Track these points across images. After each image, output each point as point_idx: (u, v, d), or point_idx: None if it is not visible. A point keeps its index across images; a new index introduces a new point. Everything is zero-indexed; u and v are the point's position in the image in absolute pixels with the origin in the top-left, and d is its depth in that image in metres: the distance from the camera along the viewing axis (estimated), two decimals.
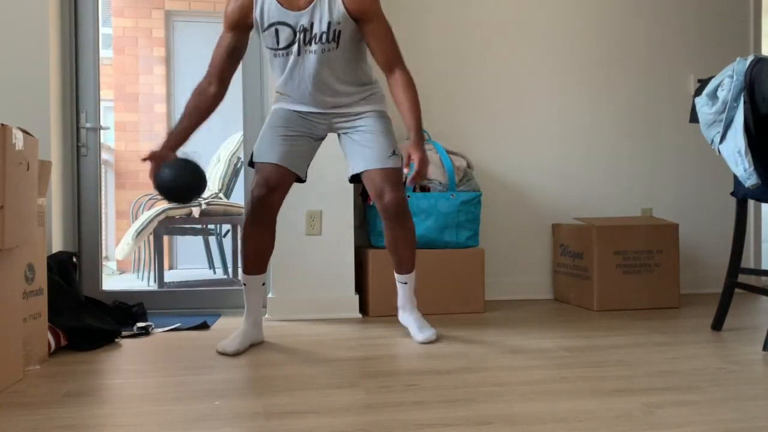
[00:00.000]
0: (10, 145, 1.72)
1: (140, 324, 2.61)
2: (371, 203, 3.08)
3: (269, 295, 2.94)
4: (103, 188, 3.41)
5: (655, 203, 3.73)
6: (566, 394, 1.68)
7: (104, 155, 4.37)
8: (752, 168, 2.23)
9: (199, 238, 4.78)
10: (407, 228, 2.34)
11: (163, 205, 4.13)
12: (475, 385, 1.78)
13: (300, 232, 2.95)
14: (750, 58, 2.27)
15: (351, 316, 2.96)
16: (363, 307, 3.03)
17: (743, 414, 1.52)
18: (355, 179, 2.34)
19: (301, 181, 2.33)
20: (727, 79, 2.30)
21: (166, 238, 4.77)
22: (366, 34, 2.21)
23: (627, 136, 3.71)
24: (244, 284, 2.32)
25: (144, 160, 2.17)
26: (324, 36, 2.15)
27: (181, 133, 2.25)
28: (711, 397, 1.65)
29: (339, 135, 2.37)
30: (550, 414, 1.52)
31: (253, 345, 2.32)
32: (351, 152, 2.32)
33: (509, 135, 3.59)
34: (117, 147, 5.54)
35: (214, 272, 4.81)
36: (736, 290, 2.54)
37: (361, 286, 3.08)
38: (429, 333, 2.37)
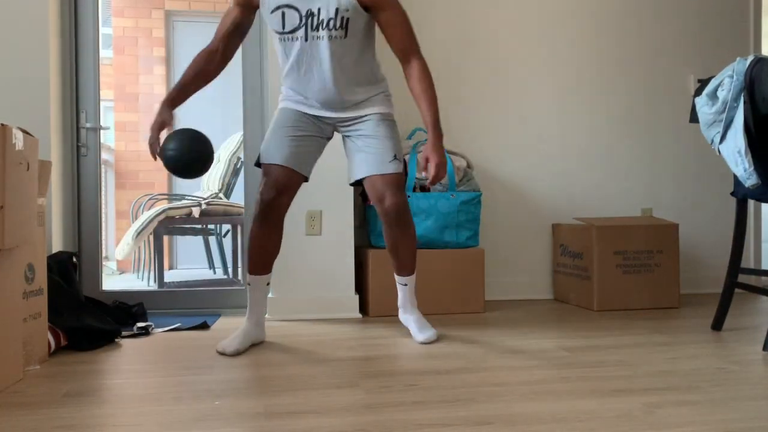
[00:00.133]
0: (10, 145, 1.72)
1: (140, 324, 2.62)
2: (371, 203, 3.08)
3: (269, 295, 2.94)
4: (103, 188, 3.41)
5: (655, 203, 3.73)
6: (566, 394, 1.68)
7: (104, 155, 4.38)
8: (752, 168, 2.23)
9: (199, 238, 4.78)
10: (408, 232, 2.33)
11: (164, 205, 4.14)
12: (475, 385, 1.78)
13: (300, 232, 2.95)
14: (750, 58, 2.27)
15: (351, 316, 2.96)
16: (363, 307, 3.03)
17: (743, 414, 1.52)
18: (357, 183, 2.34)
19: (305, 180, 2.33)
20: (727, 79, 2.30)
21: (166, 238, 4.77)
22: (380, 23, 2.19)
23: (627, 136, 3.71)
24: (249, 284, 2.31)
25: (153, 132, 2.16)
26: (332, 22, 2.11)
27: (181, 90, 2.22)
28: (711, 397, 1.65)
29: (343, 137, 2.37)
30: (550, 414, 1.52)
31: (254, 345, 2.32)
32: (353, 157, 2.31)
33: (509, 135, 3.59)
34: (117, 147, 5.54)
35: (214, 272, 4.81)
36: (736, 290, 2.54)
37: (361, 286, 3.08)
38: (429, 333, 2.37)
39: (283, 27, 2.15)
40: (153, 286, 4.13)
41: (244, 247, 3.20)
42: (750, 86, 2.23)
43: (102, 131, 3.12)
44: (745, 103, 2.24)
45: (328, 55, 2.15)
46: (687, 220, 3.75)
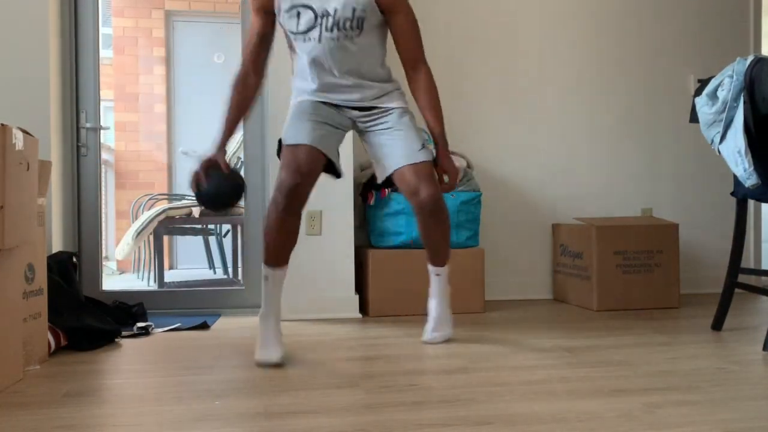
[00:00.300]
0: (10, 145, 1.72)
1: (140, 324, 2.62)
2: (371, 203, 3.08)
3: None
4: (103, 188, 3.41)
5: (655, 203, 3.73)
6: (566, 394, 1.68)
7: (104, 155, 4.37)
8: (752, 168, 2.23)
9: (199, 238, 4.78)
10: (445, 221, 2.23)
11: (164, 205, 4.13)
12: (475, 385, 1.78)
13: (300, 232, 2.95)
14: (750, 58, 2.27)
15: (351, 316, 2.96)
16: (363, 307, 3.03)
17: (743, 414, 1.52)
18: (387, 182, 2.25)
19: (338, 174, 2.21)
20: (727, 79, 2.30)
21: (166, 238, 4.77)
22: (392, 26, 2.18)
23: (627, 136, 3.71)
24: (266, 277, 2.12)
25: (202, 167, 2.10)
26: (348, 23, 2.09)
27: (229, 129, 2.18)
28: (711, 397, 1.65)
29: (362, 134, 2.28)
30: (550, 414, 1.52)
31: None
32: (379, 154, 2.23)
33: (509, 135, 3.59)
34: (117, 147, 5.54)
35: (214, 272, 4.81)
36: (736, 290, 2.54)
37: (361, 286, 3.08)
38: (437, 334, 2.33)
39: (298, 27, 2.11)
40: (153, 286, 4.13)
41: (244, 247, 3.20)
42: (750, 86, 2.23)
43: (102, 131, 3.12)
44: (745, 103, 2.24)
45: (343, 54, 2.13)
46: (687, 220, 3.75)
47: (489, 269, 3.52)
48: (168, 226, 4.04)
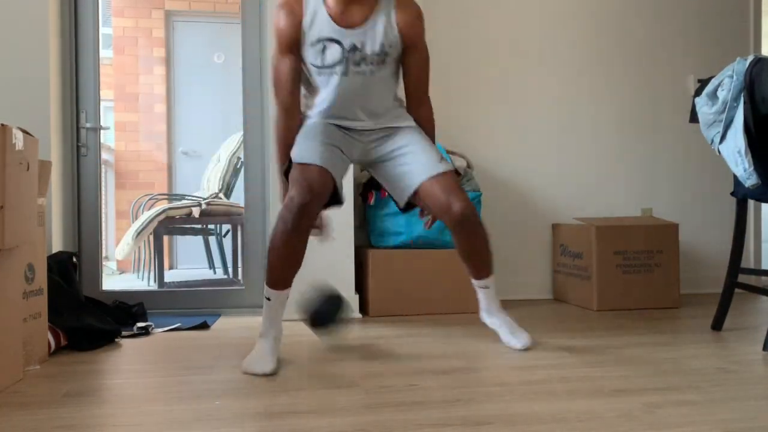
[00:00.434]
0: (10, 145, 1.72)
1: (140, 324, 2.62)
2: (371, 203, 3.08)
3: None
4: (103, 188, 3.41)
5: (655, 203, 3.73)
6: (566, 394, 1.68)
7: (104, 155, 4.38)
8: (752, 168, 2.22)
9: (199, 238, 4.78)
10: (483, 233, 2.16)
11: (164, 205, 4.14)
12: (475, 385, 1.78)
13: None
14: (750, 58, 2.27)
15: (351, 316, 2.96)
16: (363, 307, 3.03)
17: (743, 414, 1.52)
18: (409, 206, 2.18)
19: (340, 201, 2.11)
20: (727, 79, 2.30)
21: (166, 238, 4.77)
22: (407, 61, 2.15)
23: (627, 136, 3.71)
24: (268, 299, 2.06)
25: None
26: (375, 58, 2.06)
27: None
28: (711, 397, 1.65)
29: (374, 163, 2.22)
30: (550, 414, 1.52)
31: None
32: (397, 174, 2.15)
33: (509, 135, 3.59)
34: (117, 147, 5.54)
35: (214, 272, 4.80)
36: (736, 290, 2.54)
37: (361, 286, 3.08)
38: (524, 338, 2.21)
39: (323, 61, 2.06)
40: (153, 286, 4.13)
41: (244, 247, 3.20)
42: (750, 86, 2.23)
43: (102, 131, 3.12)
44: (745, 103, 2.24)
45: (367, 87, 2.10)
46: (687, 220, 3.75)
47: None
48: (168, 226, 4.03)
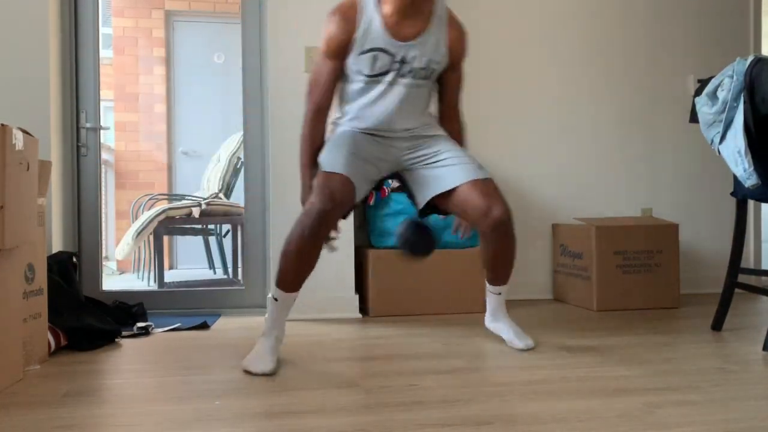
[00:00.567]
0: (10, 145, 1.72)
1: (140, 324, 2.62)
2: (371, 203, 3.08)
3: (269, 296, 2.93)
4: (103, 188, 3.42)
5: (655, 203, 3.73)
6: (566, 394, 1.68)
7: (104, 155, 4.38)
8: (752, 168, 2.22)
9: (199, 238, 4.78)
10: (513, 243, 2.19)
11: (164, 205, 4.14)
12: (475, 385, 1.78)
13: None
14: (750, 58, 2.27)
15: (351, 316, 2.96)
16: (363, 307, 3.03)
17: (743, 414, 1.52)
18: (428, 210, 2.20)
19: (346, 216, 2.11)
20: (727, 79, 2.30)
21: (166, 238, 4.77)
22: (447, 78, 2.20)
23: (627, 136, 3.71)
24: (276, 299, 2.05)
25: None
26: (421, 72, 2.10)
27: (313, 167, 2.13)
28: (711, 397, 1.65)
29: (407, 170, 2.21)
30: (550, 414, 1.52)
31: None
32: (433, 176, 2.15)
33: (509, 135, 3.59)
34: (117, 147, 5.54)
35: (214, 272, 4.81)
36: (736, 290, 2.54)
37: (361, 286, 3.08)
38: (528, 340, 2.25)
39: (372, 69, 2.07)
40: (153, 286, 4.13)
41: (244, 247, 3.20)
42: (750, 86, 2.23)
43: (102, 131, 3.12)
44: (745, 103, 2.24)
45: (408, 99, 2.12)
46: (687, 220, 3.75)
47: None
48: (168, 226, 4.03)
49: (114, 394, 1.73)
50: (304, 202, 2.10)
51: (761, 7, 3.84)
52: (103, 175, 3.49)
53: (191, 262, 5.30)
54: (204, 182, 4.64)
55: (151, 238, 4.07)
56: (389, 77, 2.09)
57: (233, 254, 4.35)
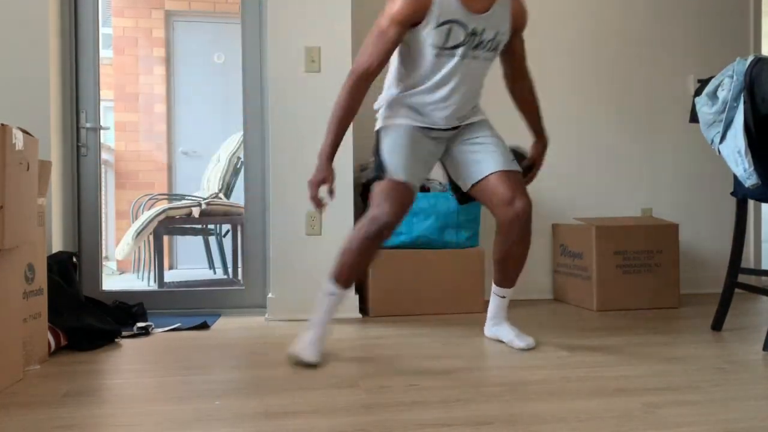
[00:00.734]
0: (10, 145, 1.72)
1: (140, 324, 2.61)
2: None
3: (269, 295, 2.94)
4: (103, 188, 3.41)
5: (655, 203, 3.73)
6: (566, 394, 1.68)
7: (104, 155, 4.37)
8: (752, 168, 2.23)
9: (199, 238, 4.78)
10: (528, 241, 2.22)
11: (164, 205, 4.13)
12: (475, 385, 1.78)
13: (300, 232, 2.95)
14: (750, 58, 2.27)
15: (351, 316, 2.96)
16: (363, 307, 3.03)
17: (743, 414, 1.52)
18: (465, 198, 2.28)
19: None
20: (727, 79, 2.30)
21: (166, 238, 4.76)
22: (513, 42, 2.24)
23: (627, 136, 3.71)
24: (332, 294, 2.10)
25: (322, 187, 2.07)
26: (489, 44, 2.13)
27: (338, 141, 2.07)
28: (711, 397, 1.65)
29: (447, 151, 2.26)
30: (550, 414, 1.52)
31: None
32: (469, 161, 2.22)
33: (509, 135, 3.57)
34: (117, 147, 5.54)
35: (214, 272, 4.80)
36: (736, 290, 2.54)
37: (361, 286, 3.08)
38: (529, 340, 2.26)
39: (446, 42, 2.07)
40: (153, 286, 4.13)
41: (244, 247, 3.20)
42: (750, 86, 2.23)
43: (102, 131, 3.12)
44: (745, 103, 2.24)
45: (474, 72, 2.15)
46: (687, 220, 3.75)
47: (489, 269, 3.50)
48: (168, 226, 4.03)
49: (114, 394, 1.73)
50: (314, 183, 2.05)
51: (761, 7, 3.84)
52: (103, 175, 3.49)
53: (191, 262, 5.29)
54: (204, 182, 4.63)
55: (151, 238, 4.07)
56: (462, 50, 2.10)
57: (233, 254, 4.35)
